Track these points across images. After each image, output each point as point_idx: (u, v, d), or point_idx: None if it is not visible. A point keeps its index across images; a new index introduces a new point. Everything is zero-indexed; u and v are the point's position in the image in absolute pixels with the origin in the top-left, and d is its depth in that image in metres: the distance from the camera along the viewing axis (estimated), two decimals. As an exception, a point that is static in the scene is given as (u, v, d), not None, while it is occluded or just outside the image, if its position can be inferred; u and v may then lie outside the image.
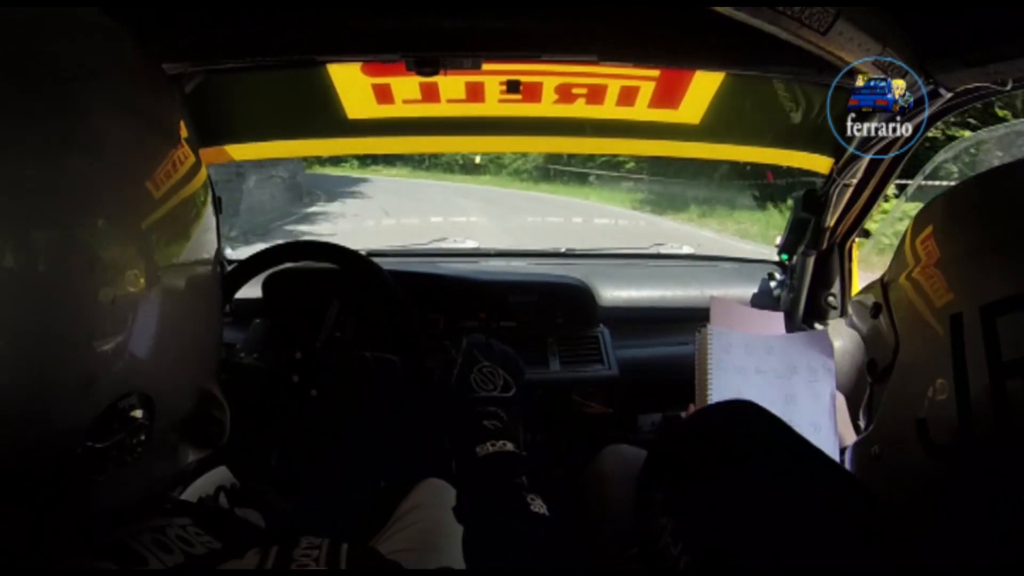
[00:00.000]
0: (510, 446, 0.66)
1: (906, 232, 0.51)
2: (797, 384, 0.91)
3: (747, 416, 0.49)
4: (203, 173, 0.45)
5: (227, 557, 0.41)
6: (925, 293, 0.46)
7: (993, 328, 0.39)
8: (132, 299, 0.37)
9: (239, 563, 0.40)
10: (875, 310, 0.53)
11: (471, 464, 0.64)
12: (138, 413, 0.38)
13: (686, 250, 1.72)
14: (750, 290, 1.51)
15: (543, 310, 1.38)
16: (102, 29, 0.42)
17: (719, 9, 0.77)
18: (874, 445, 0.51)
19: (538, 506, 0.58)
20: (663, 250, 1.73)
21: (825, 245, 1.33)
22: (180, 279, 0.41)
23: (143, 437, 0.39)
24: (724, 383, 0.90)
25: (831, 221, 1.29)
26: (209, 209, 0.46)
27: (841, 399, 0.91)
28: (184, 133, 0.45)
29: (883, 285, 0.53)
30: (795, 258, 1.42)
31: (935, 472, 0.44)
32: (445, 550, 0.85)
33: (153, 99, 0.44)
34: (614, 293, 1.46)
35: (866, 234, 1.33)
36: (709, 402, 0.89)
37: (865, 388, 0.57)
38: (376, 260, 0.92)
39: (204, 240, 0.45)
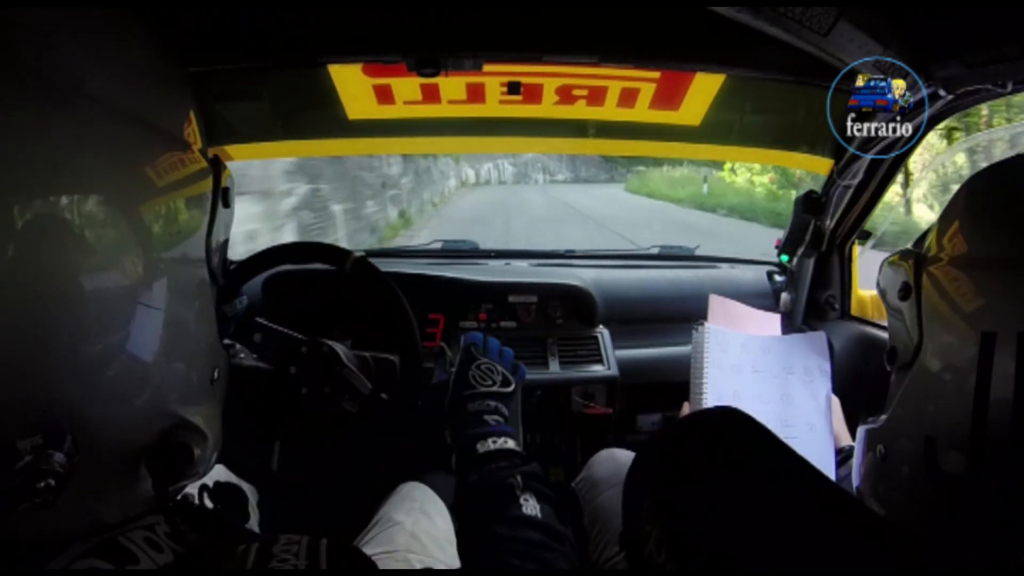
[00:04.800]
0: (511, 443, 0.66)
1: (940, 215, 0.46)
2: (793, 384, 0.91)
3: (733, 424, 0.46)
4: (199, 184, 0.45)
5: (215, 556, 0.41)
6: (952, 296, 0.42)
7: None
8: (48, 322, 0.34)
9: (224, 561, 0.39)
10: (904, 291, 0.47)
11: (471, 460, 0.65)
12: (46, 448, 0.34)
13: (686, 251, 1.72)
14: (750, 291, 1.51)
15: (543, 310, 1.38)
16: (107, 17, 0.41)
17: (719, 10, 0.77)
18: (880, 444, 0.48)
19: (531, 507, 0.58)
20: (663, 251, 1.73)
21: (825, 246, 1.33)
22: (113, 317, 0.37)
23: (52, 482, 0.34)
24: (720, 381, 0.90)
25: (831, 222, 1.29)
26: (186, 228, 0.44)
27: (836, 400, 0.91)
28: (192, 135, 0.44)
29: (918, 262, 0.47)
30: (795, 259, 1.42)
31: (937, 493, 0.42)
32: (424, 551, 0.85)
33: (149, 87, 0.43)
34: (614, 293, 1.46)
35: (866, 235, 1.32)
36: (704, 399, 0.89)
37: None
38: (377, 261, 0.92)
39: (169, 272, 0.41)
